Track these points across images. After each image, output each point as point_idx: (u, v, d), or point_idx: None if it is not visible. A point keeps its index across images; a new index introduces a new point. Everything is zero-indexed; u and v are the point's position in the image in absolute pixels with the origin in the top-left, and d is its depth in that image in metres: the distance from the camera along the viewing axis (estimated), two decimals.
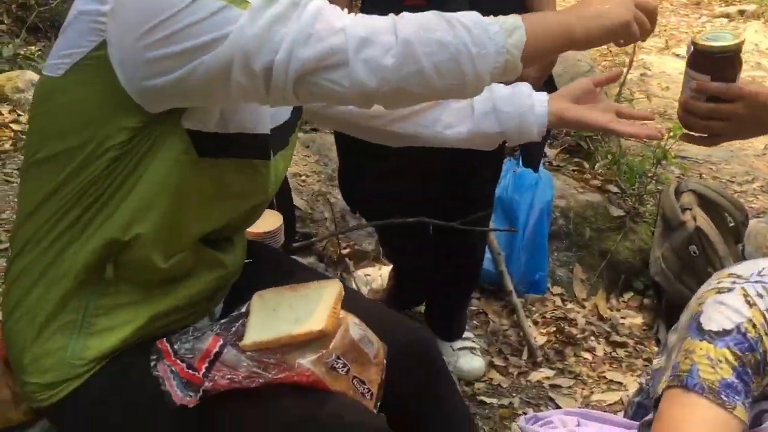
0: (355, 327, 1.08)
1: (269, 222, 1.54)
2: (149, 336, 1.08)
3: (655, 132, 1.23)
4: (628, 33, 1.01)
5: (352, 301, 1.16)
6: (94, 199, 1.00)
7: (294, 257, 1.54)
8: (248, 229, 1.32)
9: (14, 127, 2.58)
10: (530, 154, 2.09)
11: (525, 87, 1.29)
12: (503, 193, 2.71)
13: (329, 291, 1.09)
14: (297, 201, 2.54)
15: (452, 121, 1.29)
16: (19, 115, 2.67)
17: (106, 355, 1.05)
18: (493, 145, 1.33)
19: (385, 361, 1.13)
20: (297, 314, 1.07)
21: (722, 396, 0.93)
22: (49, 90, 1.01)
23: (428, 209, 1.94)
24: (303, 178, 2.79)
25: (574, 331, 2.54)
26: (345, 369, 1.06)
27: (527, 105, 1.26)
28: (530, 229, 2.64)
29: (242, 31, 0.88)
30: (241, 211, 1.15)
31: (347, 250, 2.50)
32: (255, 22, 0.88)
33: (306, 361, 1.02)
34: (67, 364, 1.04)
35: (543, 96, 1.28)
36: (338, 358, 1.05)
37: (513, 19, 0.96)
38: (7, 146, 2.45)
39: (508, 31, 0.94)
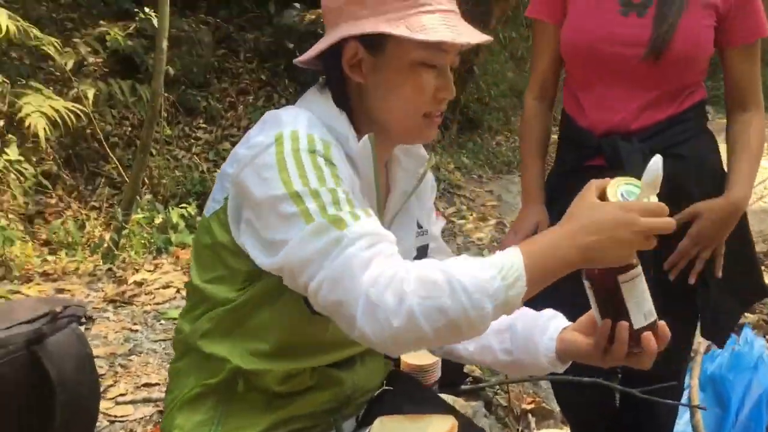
0: None
1: (425, 357, 1.58)
2: None
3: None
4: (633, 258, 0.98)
5: None
6: (222, 328, 1.15)
7: (439, 394, 1.55)
8: (403, 359, 1.38)
9: None
10: (713, 321, 1.69)
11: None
12: (716, 371, 2.46)
13: (439, 427, 1.10)
14: None
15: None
16: None
17: None
18: (509, 370, 1.23)
19: None
20: None
21: None
22: (201, 226, 1.19)
23: (608, 371, 1.82)
24: None
25: None
26: None
27: (540, 325, 1.16)
28: (745, 415, 2.33)
29: (293, 249, 0.99)
30: (353, 353, 1.23)
31: (531, 406, 2.42)
32: (305, 245, 0.98)
33: None
34: None
35: (565, 321, 1.16)
36: None
37: (516, 268, 0.94)
38: None
39: (509, 284, 0.94)
